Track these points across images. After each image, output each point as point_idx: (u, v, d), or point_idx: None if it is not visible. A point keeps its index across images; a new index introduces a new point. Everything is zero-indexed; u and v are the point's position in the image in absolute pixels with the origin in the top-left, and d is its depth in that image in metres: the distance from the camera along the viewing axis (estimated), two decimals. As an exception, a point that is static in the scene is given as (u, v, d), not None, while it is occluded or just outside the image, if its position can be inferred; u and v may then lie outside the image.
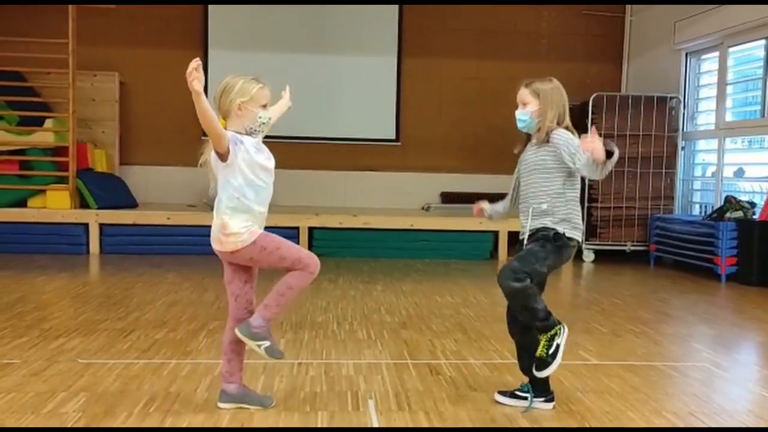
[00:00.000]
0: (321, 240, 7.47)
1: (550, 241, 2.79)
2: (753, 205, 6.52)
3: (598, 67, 8.95)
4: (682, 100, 7.80)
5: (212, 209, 2.69)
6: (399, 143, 8.99)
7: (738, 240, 6.28)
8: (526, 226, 2.87)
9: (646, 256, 7.63)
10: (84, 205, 7.36)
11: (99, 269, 6.45)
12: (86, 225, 7.21)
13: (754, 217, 6.40)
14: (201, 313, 4.44)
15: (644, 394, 3.07)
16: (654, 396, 3.05)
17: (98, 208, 7.30)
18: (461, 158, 8.98)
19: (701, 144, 7.85)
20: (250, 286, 2.77)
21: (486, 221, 7.50)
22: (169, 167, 8.44)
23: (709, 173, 7.75)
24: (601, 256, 7.59)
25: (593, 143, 2.52)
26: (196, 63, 2.34)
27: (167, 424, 2.58)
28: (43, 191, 7.36)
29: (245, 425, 2.59)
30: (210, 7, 8.65)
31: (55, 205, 7.27)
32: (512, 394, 2.90)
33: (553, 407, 2.84)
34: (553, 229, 2.79)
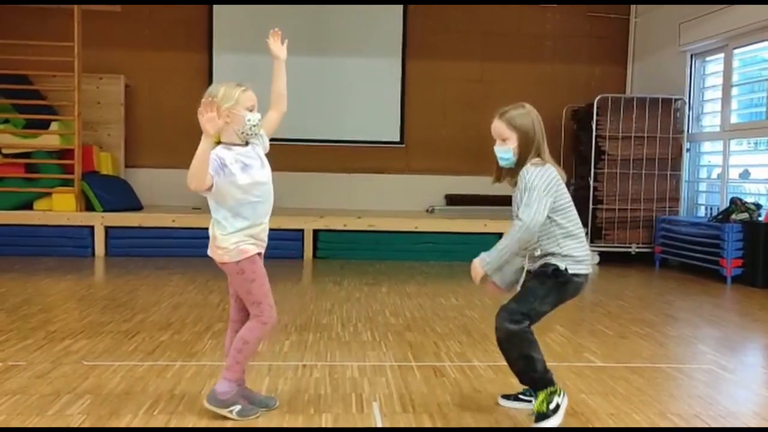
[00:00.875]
0: (325, 242, 7.48)
1: (551, 277, 2.62)
2: (759, 206, 6.49)
3: (603, 69, 8.94)
4: (687, 101, 7.78)
5: None
6: (403, 145, 8.99)
7: (744, 242, 6.26)
8: (525, 267, 2.74)
9: (652, 258, 7.61)
10: (89, 207, 7.39)
11: (104, 271, 6.46)
12: (92, 227, 7.23)
13: (759, 218, 6.37)
14: (206, 315, 4.44)
15: (649, 396, 3.06)
16: (659, 398, 3.04)
17: (104, 211, 7.32)
18: (466, 160, 8.97)
19: (706, 146, 7.83)
20: None
21: (491, 223, 7.54)
22: (175, 170, 8.42)
23: (714, 175, 7.73)
24: (606, 258, 7.57)
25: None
26: (209, 100, 2.42)
27: (172, 426, 2.58)
28: (49, 194, 7.39)
29: (249, 426, 2.59)
30: (214, 9, 8.68)
31: (60, 208, 7.30)
32: (516, 398, 2.87)
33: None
34: (554, 265, 2.62)
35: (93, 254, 7.19)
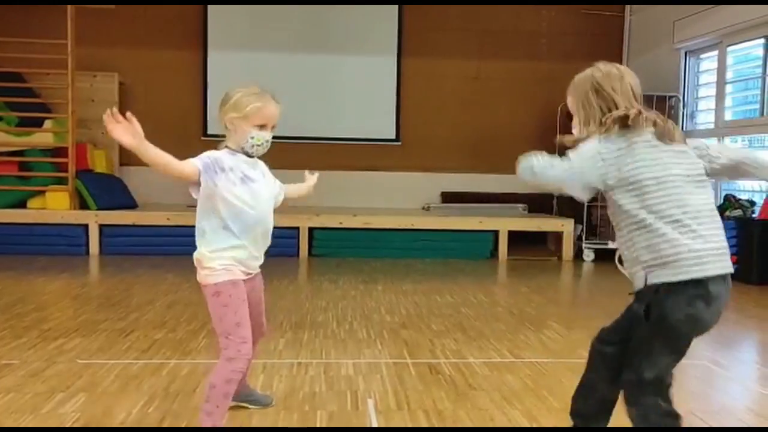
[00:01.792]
0: (321, 240, 7.48)
1: (641, 321, 1.99)
2: (752, 203, 6.52)
3: (598, 67, 8.95)
4: (681, 99, 7.80)
5: None
6: (399, 143, 8.99)
7: (737, 239, 6.27)
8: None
9: (646, 255, 7.62)
10: (84, 205, 7.36)
11: (99, 270, 6.45)
12: (86, 226, 7.21)
13: (753, 215, 6.40)
14: (201, 313, 4.43)
15: (644, 392, 3.07)
16: (654, 394, 3.04)
17: (98, 209, 7.30)
18: (462, 158, 8.99)
19: (701, 143, 7.84)
20: (259, 313, 2.55)
21: (487, 221, 7.55)
22: (169, 168, 8.43)
23: (708, 172, 7.74)
24: (601, 256, 7.58)
25: None
26: (107, 115, 2.14)
27: (166, 424, 2.58)
28: (43, 192, 7.36)
29: (244, 424, 2.59)
30: (209, 7, 8.65)
31: (54, 206, 7.27)
32: None
33: None
34: (646, 297, 1.95)
35: (87, 252, 7.16)
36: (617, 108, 2.01)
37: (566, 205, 8.36)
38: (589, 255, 7.64)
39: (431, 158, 8.97)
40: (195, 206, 2.36)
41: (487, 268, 7.05)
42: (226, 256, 2.31)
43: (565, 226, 7.65)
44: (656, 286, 1.92)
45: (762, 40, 6.70)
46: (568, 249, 7.62)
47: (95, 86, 8.23)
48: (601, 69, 2.11)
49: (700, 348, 3.94)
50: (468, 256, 7.49)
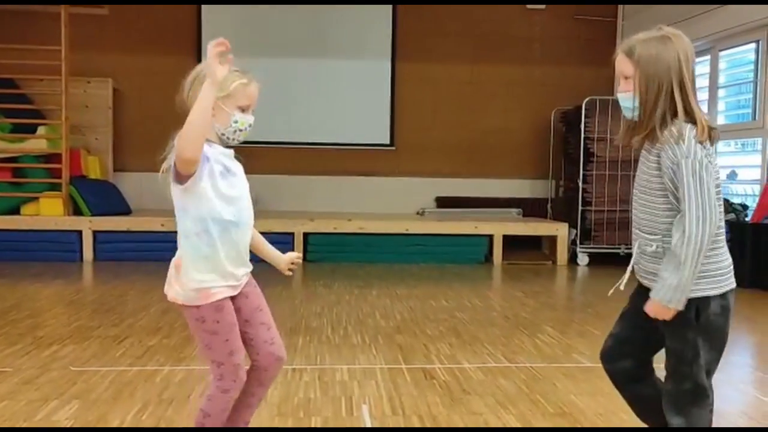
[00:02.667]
0: (316, 245, 7.47)
1: (691, 324, 1.88)
2: (745, 207, 6.55)
3: (591, 72, 8.96)
4: (674, 103, 7.83)
5: None
6: (394, 148, 9.00)
7: (731, 242, 6.26)
8: (638, 270, 2.03)
9: (640, 259, 7.64)
10: (77, 212, 7.34)
11: (93, 276, 6.43)
12: (80, 232, 7.19)
13: (746, 219, 6.43)
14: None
15: (638, 396, 3.08)
16: (647, 398, 3.05)
17: (92, 215, 7.28)
18: (456, 163, 9.00)
19: (694, 147, 7.87)
20: (261, 323, 2.20)
21: (481, 225, 7.56)
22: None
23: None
24: (595, 260, 7.60)
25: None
26: (219, 43, 1.87)
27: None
28: (36, 198, 7.33)
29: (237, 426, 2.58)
30: (203, 13, 8.66)
31: (48, 213, 7.25)
32: None
33: None
34: (693, 303, 1.86)
35: (81, 259, 7.14)
36: (692, 108, 1.87)
37: (560, 210, 8.38)
38: (583, 259, 7.65)
39: (426, 163, 8.99)
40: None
41: (481, 272, 7.06)
42: (208, 272, 2.04)
43: (560, 231, 7.67)
44: (706, 296, 1.89)
45: (753, 45, 6.74)
46: (562, 253, 7.64)
47: (89, 92, 8.22)
48: (687, 53, 1.94)
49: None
50: (463, 261, 7.50)
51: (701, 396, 1.94)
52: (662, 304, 1.85)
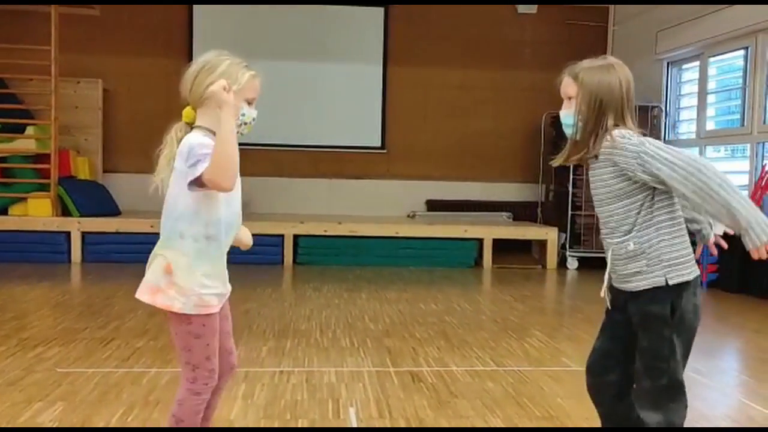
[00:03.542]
0: (306, 248, 7.46)
1: (667, 321, 1.94)
2: (734, 212, 6.58)
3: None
4: (663, 108, 7.88)
5: None
6: (385, 151, 9.00)
7: (718, 248, 6.33)
8: (615, 279, 2.05)
9: (630, 263, 7.67)
10: (66, 212, 7.30)
11: (80, 278, 6.39)
12: (68, 233, 7.14)
13: (734, 224, 6.46)
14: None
15: (624, 400, 3.08)
16: (634, 402, 3.06)
17: (80, 216, 7.23)
18: (447, 166, 9.01)
19: (683, 152, 7.92)
20: (226, 331, 2.11)
21: (471, 229, 7.57)
22: (153, 175, 8.38)
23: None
24: (584, 264, 7.62)
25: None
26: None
27: (145, 433, 2.56)
28: (25, 199, 7.28)
29: (226, 425, 2.58)
30: (194, 14, 8.63)
31: (36, 213, 7.20)
32: None
33: None
34: (667, 297, 1.93)
35: (69, 260, 7.10)
36: (628, 128, 2.04)
37: (550, 214, 8.41)
38: (572, 263, 7.68)
39: (416, 166, 8.99)
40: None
41: (471, 276, 7.06)
42: (205, 277, 1.95)
43: (549, 235, 7.69)
44: (678, 285, 1.94)
45: (743, 51, 6.79)
46: (552, 257, 7.66)
47: (79, 93, 8.17)
48: (628, 80, 2.07)
49: (680, 356, 3.97)
50: (452, 264, 7.51)
51: (678, 391, 2.00)
52: (759, 244, 1.90)
